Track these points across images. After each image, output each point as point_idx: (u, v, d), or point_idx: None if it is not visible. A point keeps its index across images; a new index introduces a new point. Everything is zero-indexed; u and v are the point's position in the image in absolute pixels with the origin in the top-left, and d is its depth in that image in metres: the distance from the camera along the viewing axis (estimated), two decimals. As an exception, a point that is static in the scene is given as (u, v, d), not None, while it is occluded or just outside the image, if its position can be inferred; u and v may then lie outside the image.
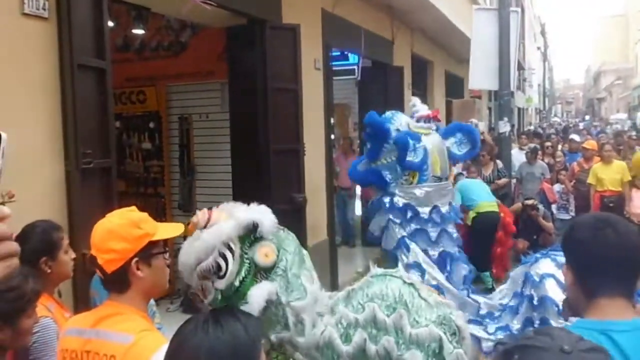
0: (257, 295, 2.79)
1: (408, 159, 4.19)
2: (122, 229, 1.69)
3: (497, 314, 3.85)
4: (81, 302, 3.14)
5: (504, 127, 8.99)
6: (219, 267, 2.88)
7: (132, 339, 1.59)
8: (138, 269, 1.69)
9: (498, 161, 8.67)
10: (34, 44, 3.25)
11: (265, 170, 5.49)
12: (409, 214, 4.31)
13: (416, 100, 4.89)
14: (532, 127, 29.62)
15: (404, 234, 4.30)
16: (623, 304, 1.47)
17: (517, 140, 12.19)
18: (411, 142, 4.20)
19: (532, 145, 10.38)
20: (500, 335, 3.64)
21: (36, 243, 2.35)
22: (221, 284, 2.86)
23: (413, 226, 4.32)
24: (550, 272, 3.41)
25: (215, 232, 2.88)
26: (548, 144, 11.34)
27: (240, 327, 1.24)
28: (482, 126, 14.43)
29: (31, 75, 3.24)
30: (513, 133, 12.82)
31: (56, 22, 3.35)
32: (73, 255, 2.51)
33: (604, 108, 66.49)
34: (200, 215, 2.53)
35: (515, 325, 3.62)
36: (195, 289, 3.00)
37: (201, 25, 6.15)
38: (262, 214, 2.98)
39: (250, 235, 2.93)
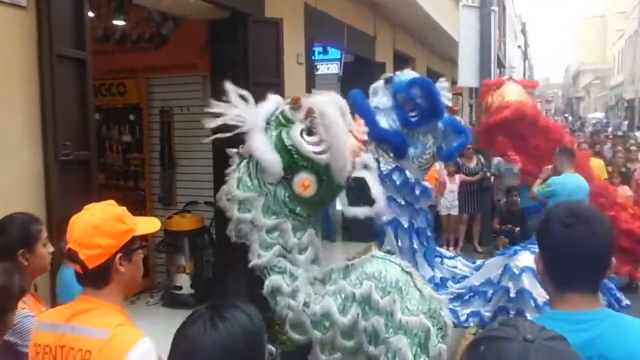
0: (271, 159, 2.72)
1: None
2: (107, 224, 1.66)
3: (466, 297, 3.84)
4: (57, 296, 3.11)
5: (485, 124, 9.09)
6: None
7: (109, 334, 1.57)
8: (121, 264, 1.68)
9: (480, 156, 8.88)
10: (11, 33, 3.19)
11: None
12: (417, 191, 4.13)
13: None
14: None
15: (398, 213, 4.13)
16: (590, 297, 1.50)
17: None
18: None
19: None
20: (472, 323, 3.66)
21: (14, 235, 2.32)
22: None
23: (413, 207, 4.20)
24: (530, 265, 3.46)
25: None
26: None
27: (246, 318, 1.26)
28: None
29: (8, 65, 3.18)
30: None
31: (35, 11, 3.29)
32: (51, 248, 2.48)
33: (582, 107, 67.50)
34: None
35: (487, 313, 3.65)
36: None
37: (183, 17, 6.10)
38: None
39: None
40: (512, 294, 3.53)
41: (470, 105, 20.63)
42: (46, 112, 3.30)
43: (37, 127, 3.30)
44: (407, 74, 4.08)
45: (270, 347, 2.80)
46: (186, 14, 5.73)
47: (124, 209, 1.74)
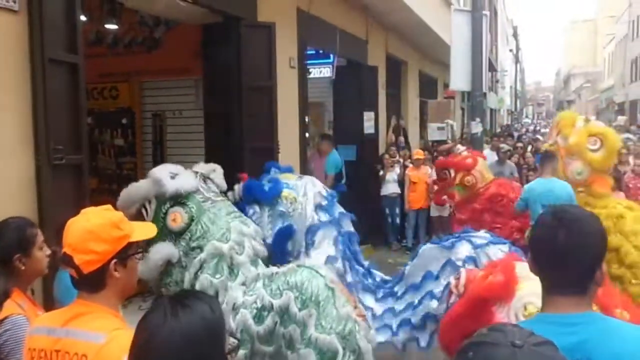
0: (155, 252, 3.03)
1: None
2: (102, 229, 1.65)
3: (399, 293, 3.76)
4: (52, 300, 3.09)
5: (476, 127, 9.13)
6: (143, 217, 3.07)
7: (105, 338, 1.56)
8: (115, 270, 1.67)
9: None
10: (3, 37, 3.18)
11: (239, 168, 5.46)
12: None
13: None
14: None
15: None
16: (578, 299, 1.49)
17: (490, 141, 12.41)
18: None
19: (505, 146, 10.61)
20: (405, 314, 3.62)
21: (10, 240, 2.31)
22: None
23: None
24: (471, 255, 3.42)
25: (135, 189, 3.11)
26: (519, 144, 11.61)
27: (207, 307, 1.27)
28: (456, 126, 14.62)
29: (0, 69, 3.18)
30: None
31: (27, 15, 3.29)
32: (48, 251, 2.47)
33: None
34: None
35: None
36: None
37: (176, 21, 6.10)
38: (175, 180, 3.12)
39: (166, 198, 3.08)
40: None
41: (462, 109, 20.70)
42: (38, 116, 3.29)
43: (29, 131, 3.29)
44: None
45: (232, 339, 2.85)
46: (179, 18, 5.73)
47: (120, 214, 1.74)
